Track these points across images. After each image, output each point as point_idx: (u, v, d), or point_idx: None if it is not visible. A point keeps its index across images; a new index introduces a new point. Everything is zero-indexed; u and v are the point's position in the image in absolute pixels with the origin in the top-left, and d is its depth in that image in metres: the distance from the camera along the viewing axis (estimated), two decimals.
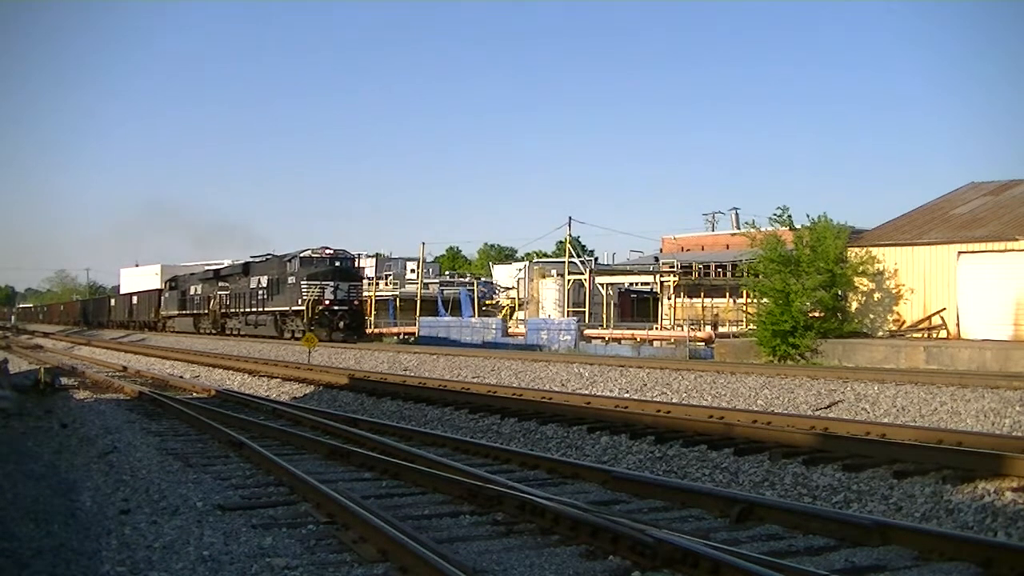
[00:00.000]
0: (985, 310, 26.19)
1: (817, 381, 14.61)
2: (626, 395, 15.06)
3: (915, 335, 26.91)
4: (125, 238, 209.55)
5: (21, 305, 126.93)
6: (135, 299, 67.20)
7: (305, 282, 36.19)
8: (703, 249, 64.63)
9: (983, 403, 12.05)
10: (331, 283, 36.35)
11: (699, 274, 47.80)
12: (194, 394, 17.86)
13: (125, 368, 26.04)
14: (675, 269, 48.04)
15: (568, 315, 44.80)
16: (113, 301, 74.97)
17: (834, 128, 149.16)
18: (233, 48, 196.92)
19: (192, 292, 51.46)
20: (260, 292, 40.97)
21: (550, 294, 49.68)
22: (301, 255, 37.69)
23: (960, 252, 26.91)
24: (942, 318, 26.83)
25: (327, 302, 35.90)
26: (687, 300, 48.08)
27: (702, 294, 47.24)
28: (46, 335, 59.45)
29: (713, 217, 78.02)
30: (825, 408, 12.84)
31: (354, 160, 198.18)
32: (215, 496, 7.61)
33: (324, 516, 6.76)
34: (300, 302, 36.21)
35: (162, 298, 57.77)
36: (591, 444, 10.60)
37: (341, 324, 36.02)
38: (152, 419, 13.57)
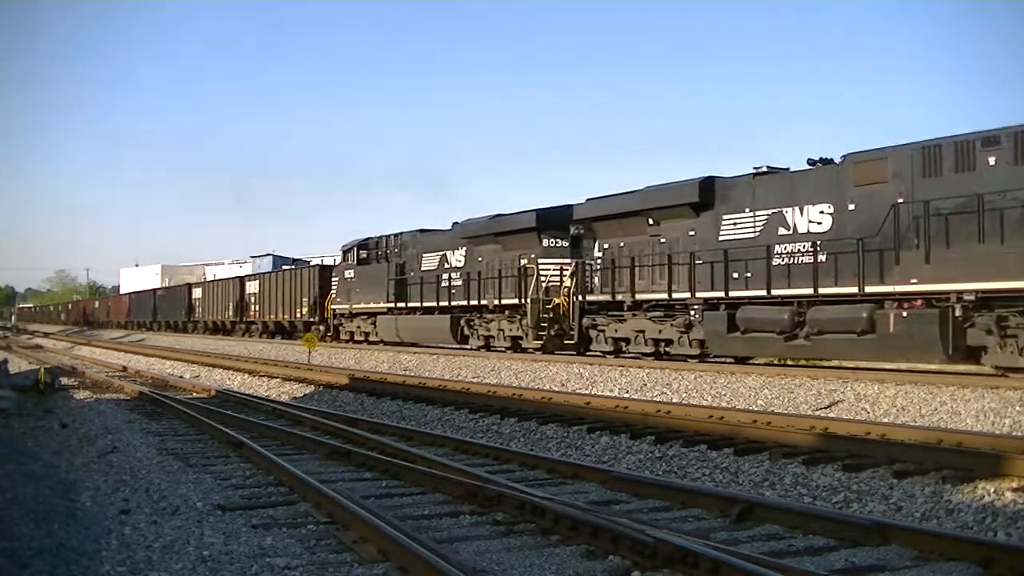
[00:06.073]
0: None
1: (817, 381, 14.57)
2: (626, 395, 15.05)
3: None
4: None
5: (22, 305, 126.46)
6: (251, 286, 40.65)
7: None
8: None
9: (983, 403, 12.02)
10: None
11: None
12: (194, 394, 17.87)
13: (125, 368, 26.05)
14: None
15: None
16: (199, 291, 48.55)
17: (834, 128, 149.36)
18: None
19: (432, 265, 26.69)
20: (808, 248, 15.67)
21: None
22: None
23: None
24: None
25: None
26: None
27: None
28: (46, 335, 59.45)
29: None
30: (825, 408, 12.82)
31: (351, 162, 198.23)
32: (215, 496, 7.62)
33: (324, 516, 6.77)
34: None
35: (335, 281, 32.51)
36: (591, 444, 10.60)
37: None
38: (152, 419, 13.58)
